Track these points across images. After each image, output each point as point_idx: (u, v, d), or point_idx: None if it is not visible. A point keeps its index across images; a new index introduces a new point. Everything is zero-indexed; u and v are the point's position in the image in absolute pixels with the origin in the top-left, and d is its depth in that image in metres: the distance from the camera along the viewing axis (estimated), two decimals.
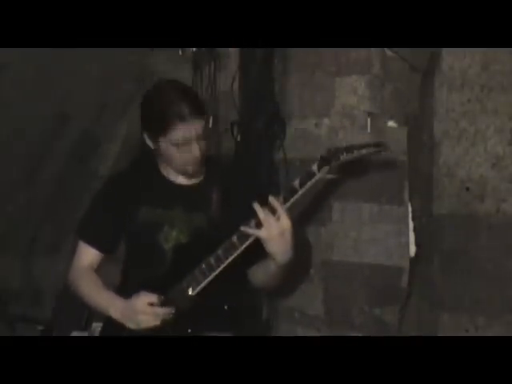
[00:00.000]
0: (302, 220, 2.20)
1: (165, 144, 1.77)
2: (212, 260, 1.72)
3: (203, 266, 1.73)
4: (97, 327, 2.62)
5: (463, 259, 2.07)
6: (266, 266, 1.79)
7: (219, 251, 1.72)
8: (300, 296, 2.29)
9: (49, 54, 2.35)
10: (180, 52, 2.72)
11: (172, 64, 2.78)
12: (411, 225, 2.25)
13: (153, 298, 1.73)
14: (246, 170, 2.09)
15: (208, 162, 1.89)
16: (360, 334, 2.16)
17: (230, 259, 1.71)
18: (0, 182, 2.91)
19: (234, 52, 2.53)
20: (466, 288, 2.06)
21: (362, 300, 2.18)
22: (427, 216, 2.23)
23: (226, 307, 1.83)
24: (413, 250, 2.25)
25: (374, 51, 2.18)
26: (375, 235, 2.18)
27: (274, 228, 1.65)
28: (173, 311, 1.73)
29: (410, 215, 2.25)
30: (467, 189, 2.07)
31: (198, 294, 1.74)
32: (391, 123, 2.24)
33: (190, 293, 1.74)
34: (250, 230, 1.68)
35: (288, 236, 1.67)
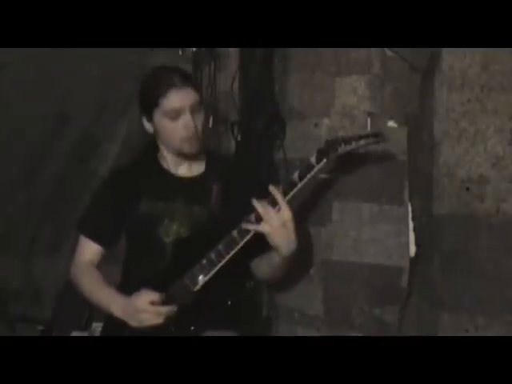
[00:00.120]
0: (301, 220, 2.20)
1: (159, 117, 1.81)
2: (213, 255, 1.73)
3: (204, 261, 1.73)
4: (97, 327, 2.62)
5: (463, 259, 2.07)
6: (270, 258, 1.79)
7: (220, 246, 1.72)
8: (300, 296, 2.29)
9: (49, 54, 2.35)
10: (180, 52, 2.72)
11: (172, 64, 2.77)
12: (411, 225, 2.25)
13: (154, 296, 1.73)
14: (249, 175, 2.10)
15: (208, 155, 1.92)
16: (360, 334, 2.16)
17: (231, 254, 1.72)
18: (0, 182, 2.91)
19: (233, 52, 2.53)
20: (465, 288, 2.06)
21: (362, 300, 2.18)
22: (427, 216, 2.23)
23: (229, 303, 1.83)
24: (413, 250, 2.25)
25: (374, 51, 2.18)
26: (375, 235, 2.18)
27: (274, 220, 1.65)
28: (175, 309, 1.73)
29: (410, 215, 2.25)
30: (467, 189, 2.07)
31: (200, 289, 1.74)
32: (391, 123, 2.24)
33: (192, 288, 1.74)
34: (251, 226, 1.68)
35: (290, 227, 1.68)
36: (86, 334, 2.66)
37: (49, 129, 2.97)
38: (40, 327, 2.89)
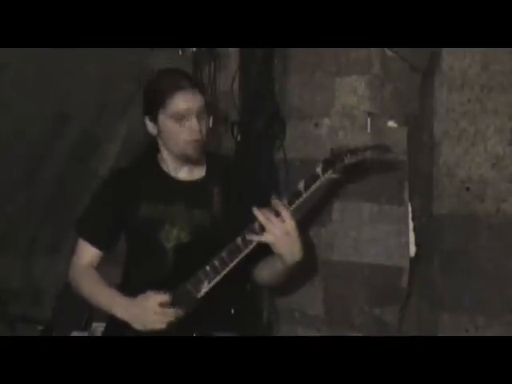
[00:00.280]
0: (301, 220, 2.20)
1: (164, 119, 1.79)
2: (217, 262, 1.71)
3: (208, 268, 1.72)
4: (97, 327, 2.62)
5: (463, 259, 2.07)
6: (273, 265, 1.78)
7: (224, 254, 1.70)
8: (300, 296, 2.29)
9: (49, 54, 2.35)
10: (180, 52, 2.72)
11: (172, 64, 2.77)
12: (411, 225, 2.25)
13: (163, 297, 1.71)
14: (249, 175, 2.09)
15: (209, 159, 1.90)
16: (360, 334, 2.16)
17: (235, 262, 1.71)
18: (0, 182, 2.91)
19: (233, 52, 2.53)
20: (465, 288, 2.06)
21: (362, 300, 2.18)
22: (427, 216, 2.23)
23: (232, 311, 1.82)
24: (413, 250, 2.25)
25: (374, 51, 2.18)
26: (375, 235, 2.18)
27: (278, 230, 1.65)
28: (181, 312, 1.72)
29: (410, 215, 2.25)
30: (467, 189, 2.07)
31: (204, 296, 1.74)
32: (391, 123, 2.24)
33: (195, 295, 1.73)
34: (255, 237, 1.67)
35: (294, 236, 1.67)
36: (86, 333, 2.66)
37: (49, 129, 2.97)
38: (40, 327, 2.88)
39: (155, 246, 1.83)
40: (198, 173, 1.90)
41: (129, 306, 1.75)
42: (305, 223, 2.27)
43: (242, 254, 1.70)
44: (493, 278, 2.01)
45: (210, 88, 2.59)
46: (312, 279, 2.26)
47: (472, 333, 2.03)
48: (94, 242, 1.93)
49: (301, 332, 2.30)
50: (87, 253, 1.94)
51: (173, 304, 1.72)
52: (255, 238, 1.67)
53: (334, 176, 1.71)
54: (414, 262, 2.24)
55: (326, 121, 2.26)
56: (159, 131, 1.84)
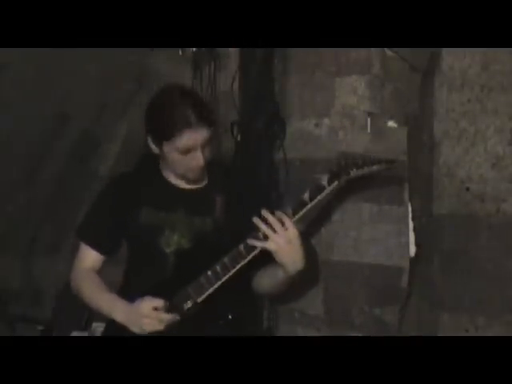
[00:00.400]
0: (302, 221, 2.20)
1: (169, 149, 1.75)
2: (218, 268, 1.71)
3: (209, 273, 1.72)
4: (97, 327, 2.62)
5: (463, 259, 2.07)
6: (274, 273, 1.78)
7: (226, 259, 1.71)
8: (300, 296, 2.29)
9: (49, 54, 2.34)
10: (180, 52, 2.72)
11: (172, 64, 2.78)
12: (411, 225, 2.25)
13: (158, 302, 1.71)
14: (249, 175, 2.09)
15: (210, 167, 1.87)
16: (360, 334, 2.16)
17: (237, 268, 1.71)
18: (0, 182, 2.91)
19: (234, 52, 2.53)
20: (465, 288, 2.06)
21: (362, 300, 2.18)
22: (427, 216, 2.23)
23: (230, 317, 1.82)
24: (413, 250, 2.25)
25: (374, 51, 2.18)
26: (375, 235, 2.18)
27: (280, 238, 1.65)
28: (177, 317, 1.72)
29: (410, 215, 2.25)
30: (467, 189, 2.07)
31: (204, 301, 1.74)
32: (391, 123, 2.24)
33: (196, 300, 1.73)
34: (258, 243, 1.67)
35: (297, 245, 1.67)
36: (86, 334, 2.66)
37: (49, 129, 2.97)
38: (40, 327, 2.88)
39: (155, 251, 1.83)
40: (200, 181, 1.90)
41: (127, 310, 1.76)
42: (305, 223, 2.27)
43: (244, 261, 1.70)
44: (493, 278, 2.01)
45: (210, 88, 2.59)
46: (312, 279, 2.26)
47: (472, 333, 2.02)
48: (95, 246, 1.93)
49: (301, 332, 2.30)
50: (89, 257, 1.94)
51: (173, 308, 1.72)
52: (258, 244, 1.67)
53: (339, 187, 1.72)
54: (413, 262, 2.24)
55: (326, 121, 2.26)
56: (162, 155, 1.81)
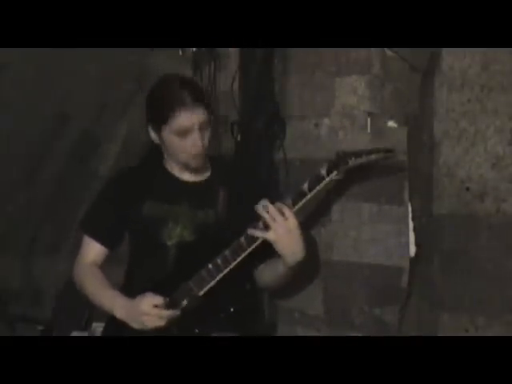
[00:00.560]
0: (302, 220, 2.20)
1: (167, 133, 1.78)
2: (219, 261, 1.72)
3: (210, 266, 1.72)
4: (97, 327, 2.62)
5: (463, 259, 2.07)
6: (275, 266, 1.79)
7: (226, 252, 1.71)
8: (300, 296, 2.29)
9: (49, 54, 2.35)
10: (180, 52, 2.72)
11: (172, 64, 2.78)
12: (411, 225, 2.25)
13: (158, 299, 1.72)
14: (251, 169, 2.10)
15: (213, 161, 1.91)
16: (360, 334, 2.16)
17: (238, 260, 1.71)
18: (0, 182, 2.91)
19: (234, 52, 2.53)
20: (466, 288, 2.06)
21: (361, 300, 2.18)
22: (427, 216, 2.23)
23: (232, 309, 1.83)
24: (413, 250, 2.25)
25: (374, 51, 2.18)
26: (375, 235, 2.18)
27: (280, 228, 1.65)
28: (178, 313, 1.72)
29: (410, 215, 2.25)
30: (467, 189, 2.07)
31: (205, 294, 1.74)
32: (391, 123, 2.24)
33: (197, 293, 1.73)
34: (258, 233, 1.68)
35: (296, 235, 1.68)
36: (86, 333, 2.66)
37: (49, 129, 2.97)
38: (40, 327, 2.89)
39: (157, 244, 1.84)
40: (203, 174, 1.91)
41: (127, 306, 1.76)
42: (305, 223, 2.27)
43: (245, 253, 1.71)
44: (493, 277, 2.01)
45: (210, 88, 2.59)
46: (312, 279, 2.26)
47: (472, 333, 2.02)
48: (98, 238, 1.94)
49: (301, 332, 2.30)
50: (92, 250, 1.95)
51: (174, 302, 1.72)
52: (259, 234, 1.67)
53: (338, 177, 1.72)
54: (414, 262, 2.24)
55: (326, 121, 2.26)
56: (162, 142, 1.84)
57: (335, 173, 1.70)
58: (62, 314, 2.83)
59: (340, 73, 2.23)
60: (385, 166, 2.15)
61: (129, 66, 2.89)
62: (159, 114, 1.78)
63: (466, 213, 2.07)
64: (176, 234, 1.83)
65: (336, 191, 2.22)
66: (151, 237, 1.85)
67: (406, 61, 2.25)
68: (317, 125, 2.28)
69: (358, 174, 2.14)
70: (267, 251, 1.73)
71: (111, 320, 1.85)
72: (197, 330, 1.75)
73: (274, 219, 1.65)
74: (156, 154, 1.93)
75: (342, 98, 2.22)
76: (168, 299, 1.72)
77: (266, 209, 1.67)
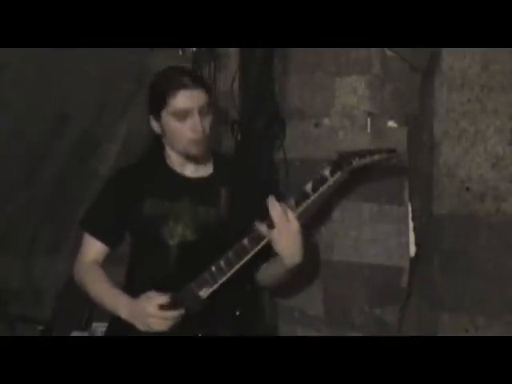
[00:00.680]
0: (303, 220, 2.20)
1: (167, 118, 1.78)
2: (222, 263, 1.70)
3: (213, 268, 1.71)
4: (97, 327, 2.62)
5: (463, 259, 2.07)
6: (274, 267, 1.78)
7: (230, 254, 1.70)
8: (300, 296, 2.29)
9: (49, 54, 2.35)
10: (180, 52, 2.73)
11: (172, 64, 2.78)
12: (411, 225, 2.25)
13: (163, 299, 1.70)
14: (253, 168, 2.10)
15: (216, 157, 1.90)
16: (360, 334, 2.16)
17: (241, 263, 1.70)
18: (0, 182, 2.92)
19: (234, 52, 2.53)
20: (465, 288, 2.06)
21: (362, 300, 2.18)
22: (427, 216, 2.23)
23: (237, 313, 1.82)
24: (413, 250, 2.25)
25: (374, 51, 2.18)
26: (375, 235, 2.18)
27: (284, 228, 1.65)
28: (182, 312, 1.71)
29: (410, 215, 2.25)
30: (467, 189, 2.07)
31: (209, 297, 1.73)
32: (391, 123, 2.24)
33: (201, 296, 1.72)
34: (261, 227, 1.66)
35: (297, 238, 1.67)
36: (86, 334, 2.66)
37: (49, 129, 2.97)
38: (40, 327, 2.89)
39: (158, 242, 1.82)
40: (205, 170, 1.90)
41: (132, 306, 1.74)
42: (305, 223, 2.27)
43: (248, 256, 1.69)
44: (493, 277, 2.01)
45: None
46: (312, 279, 2.27)
47: (472, 333, 2.02)
48: (99, 236, 1.93)
49: (301, 332, 2.30)
50: (93, 248, 1.94)
51: (177, 304, 1.71)
52: (262, 229, 1.66)
53: (342, 178, 1.72)
54: (414, 262, 2.24)
55: (326, 121, 2.26)
56: (163, 130, 1.83)
57: (339, 173, 1.70)
58: (62, 313, 2.83)
59: (340, 73, 2.23)
60: (385, 166, 2.15)
61: (129, 66, 2.89)
62: (159, 98, 1.79)
63: (466, 213, 2.07)
64: (178, 233, 1.82)
65: (336, 191, 2.22)
66: (152, 235, 1.84)
67: (406, 61, 2.25)
68: (317, 125, 2.28)
69: (358, 174, 2.15)
70: (268, 252, 1.72)
71: (114, 320, 1.84)
72: (200, 335, 1.74)
73: (279, 218, 1.65)
74: (157, 149, 1.92)
75: (342, 98, 2.22)
76: (173, 299, 1.71)
77: (272, 207, 1.66)
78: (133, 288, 1.81)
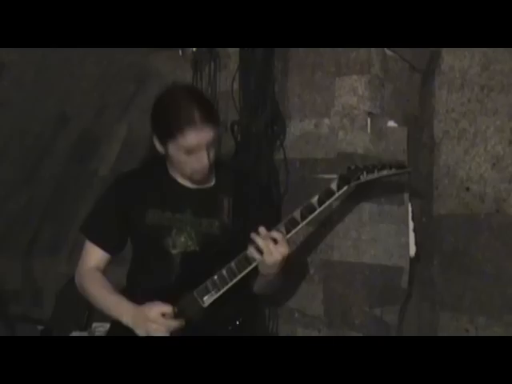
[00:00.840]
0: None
1: (174, 149, 1.74)
2: (225, 272, 1.71)
3: (216, 278, 1.71)
4: (97, 327, 2.62)
5: (463, 259, 2.08)
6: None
7: (232, 264, 1.70)
8: (300, 296, 2.29)
9: (49, 54, 2.35)
10: (180, 52, 2.73)
11: (172, 64, 2.78)
12: (411, 225, 2.25)
13: (167, 308, 1.70)
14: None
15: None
16: (360, 334, 2.16)
17: (244, 273, 1.71)
18: (0, 182, 2.92)
19: (233, 52, 2.53)
20: (465, 288, 2.06)
21: (362, 300, 2.18)
22: (427, 216, 2.23)
23: (237, 322, 1.82)
24: (413, 249, 2.25)
25: (374, 51, 2.18)
26: (375, 235, 2.18)
27: (274, 254, 1.67)
28: (183, 323, 1.71)
29: (410, 215, 2.25)
30: (467, 189, 2.07)
31: (210, 305, 1.73)
32: (391, 123, 2.24)
33: (202, 304, 1.72)
34: (256, 255, 1.68)
35: (281, 261, 1.69)
36: (85, 334, 2.66)
37: (49, 129, 2.98)
38: (40, 327, 2.89)
39: (161, 251, 1.81)
40: (206, 182, 1.89)
41: (135, 313, 1.74)
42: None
43: (251, 266, 1.70)
44: (493, 278, 2.01)
45: (210, 88, 2.59)
46: (312, 279, 2.26)
47: (472, 333, 2.03)
48: (101, 244, 1.90)
49: (301, 332, 2.30)
50: (94, 256, 1.91)
51: (178, 312, 1.71)
52: (256, 256, 1.69)
53: (348, 191, 1.73)
54: (414, 262, 2.24)
55: (326, 121, 2.26)
56: (167, 155, 1.80)
57: (346, 188, 1.71)
58: (62, 314, 2.83)
59: (340, 73, 2.23)
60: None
61: (129, 66, 2.89)
62: (167, 130, 1.73)
63: (466, 213, 2.07)
64: (180, 243, 1.81)
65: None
66: (155, 245, 1.82)
67: (406, 61, 2.25)
68: (317, 125, 2.28)
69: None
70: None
71: (115, 325, 1.83)
72: None
73: (267, 246, 1.66)
74: (160, 158, 1.88)
75: (342, 98, 2.22)
76: (176, 308, 1.71)
77: (261, 235, 1.68)
78: (134, 294, 1.80)
